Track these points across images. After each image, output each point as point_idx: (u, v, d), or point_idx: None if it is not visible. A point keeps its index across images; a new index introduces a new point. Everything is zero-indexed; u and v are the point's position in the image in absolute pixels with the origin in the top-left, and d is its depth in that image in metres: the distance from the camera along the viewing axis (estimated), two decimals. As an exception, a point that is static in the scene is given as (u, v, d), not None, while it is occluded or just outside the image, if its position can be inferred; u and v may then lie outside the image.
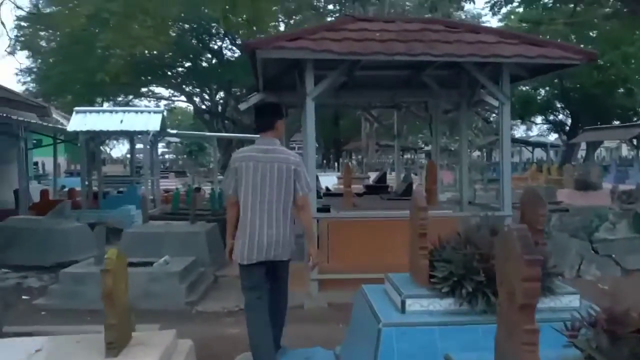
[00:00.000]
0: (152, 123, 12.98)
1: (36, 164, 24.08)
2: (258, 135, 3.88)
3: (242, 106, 7.97)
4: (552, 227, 8.81)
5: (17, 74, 32.78)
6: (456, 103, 7.50)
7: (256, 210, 3.63)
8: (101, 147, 35.41)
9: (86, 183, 13.28)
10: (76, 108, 13.39)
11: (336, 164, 33.33)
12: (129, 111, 13.40)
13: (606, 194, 15.56)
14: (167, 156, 47.38)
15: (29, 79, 31.78)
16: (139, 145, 14.85)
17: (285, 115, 8.81)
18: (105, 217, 10.80)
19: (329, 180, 18.07)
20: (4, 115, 10.78)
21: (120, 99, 32.39)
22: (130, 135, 13.37)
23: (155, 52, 28.59)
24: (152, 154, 15.22)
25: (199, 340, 4.81)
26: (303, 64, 5.81)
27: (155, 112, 13.47)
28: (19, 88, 29.63)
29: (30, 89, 31.01)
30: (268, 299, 3.78)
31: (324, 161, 37.63)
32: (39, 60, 30.73)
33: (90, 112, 13.22)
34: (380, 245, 5.76)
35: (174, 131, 18.92)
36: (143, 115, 13.27)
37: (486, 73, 6.12)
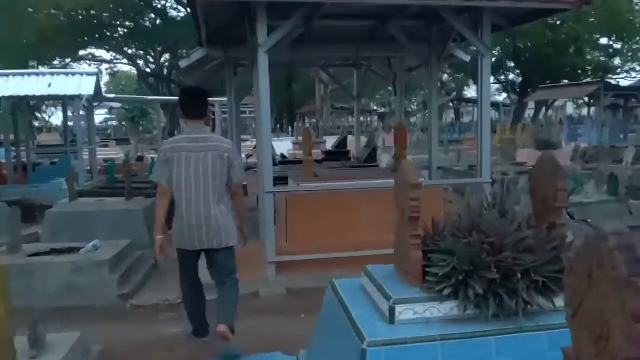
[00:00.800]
0: (85, 86, 11.66)
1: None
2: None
3: (183, 63, 6.94)
4: (520, 190, 8.34)
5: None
6: (425, 58, 6.71)
7: (191, 200, 3.62)
8: (37, 114, 33.22)
9: (13, 155, 11.95)
10: (-2, 70, 11.87)
11: (290, 128, 32.36)
12: (58, 73, 11.97)
13: (567, 153, 15.42)
14: (110, 122, 45.07)
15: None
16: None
17: (235, 74, 7.86)
18: (32, 192, 9.61)
19: (284, 146, 17.14)
20: None
21: (56, 62, 30.09)
22: (62, 101, 11.98)
23: (91, 11, 26.63)
24: (89, 120, 13.89)
25: (132, 344, 4.00)
26: (254, 11, 4.88)
27: (88, 74, 12.09)
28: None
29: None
30: (218, 292, 3.81)
31: (277, 126, 36.56)
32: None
33: (14, 75, 11.73)
34: (347, 221, 5.03)
35: (112, 95, 17.46)
36: (75, 78, 11.89)
37: (463, 22, 5.34)
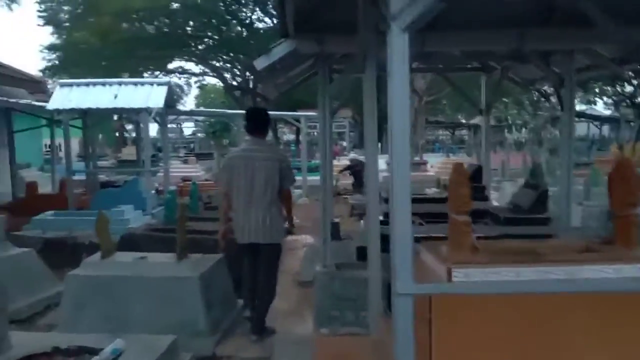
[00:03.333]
0: (155, 98, 10.09)
1: (49, 146, 21.74)
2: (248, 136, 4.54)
3: (260, 62, 4.95)
4: None
5: (41, 52, 30.43)
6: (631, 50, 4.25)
7: (246, 201, 4.29)
8: (125, 126, 33.10)
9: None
10: (61, 81, 10.60)
11: (379, 144, 30.05)
12: (126, 83, 10.50)
13: None
14: (198, 135, 44.84)
15: (53, 56, 29.49)
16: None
17: (330, 81, 5.79)
18: (84, 224, 8.01)
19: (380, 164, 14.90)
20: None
21: (146, 75, 29.86)
22: (132, 113, 10.52)
23: (177, 19, 25.90)
24: (163, 136, 12.42)
25: None
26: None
27: (159, 84, 10.55)
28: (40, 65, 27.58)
29: (51, 64, 28.63)
30: (258, 290, 4.45)
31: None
32: (64, 37, 28.57)
33: (78, 85, 10.39)
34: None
35: (187, 109, 16.03)
36: (144, 89, 10.36)
37: None
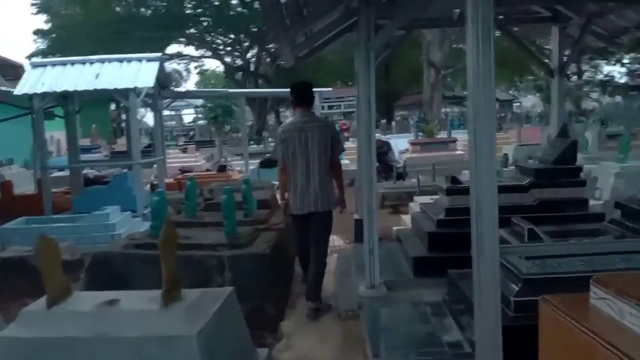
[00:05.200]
0: (144, 76, 8.47)
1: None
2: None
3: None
4: None
5: (34, 40, 28.79)
6: None
7: (303, 171, 4.29)
8: (122, 115, 31.42)
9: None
10: (32, 60, 8.97)
11: (392, 123, 28.42)
12: (110, 60, 8.83)
13: None
14: (199, 122, 43.09)
15: (44, 41, 27.84)
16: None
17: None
18: (64, 231, 6.44)
19: (400, 144, 13.24)
20: None
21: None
22: (119, 96, 8.86)
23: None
24: (156, 122, 10.79)
25: None
26: None
27: (149, 59, 8.88)
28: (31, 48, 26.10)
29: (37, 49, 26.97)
30: (311, 256, 4.39)
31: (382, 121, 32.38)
32: (57, 20, 26.98)
33: (53, 64, 8.76)
34: None
35: (184, 89, 14.40)
36: (131, 66, 8.73)
37: None
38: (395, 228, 5.98)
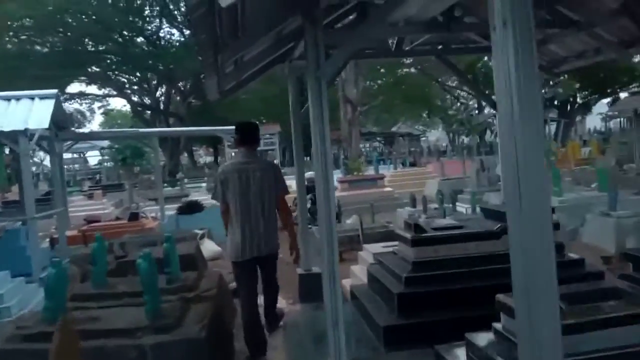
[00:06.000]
0: (37, 116, 7.29)
1: None
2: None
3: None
4: None
5: None
6: None
7: (245, 213, 4.08)
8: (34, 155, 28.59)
9: None
10: None
11: (308, 158, 28.04)
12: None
13: None
14: (105, 164, 40.49)
15: None
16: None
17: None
18: None
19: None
20: None
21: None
22: (6, 139, 7.55)
23: (67, 33, 22.52)
24: (55, 167, 9.44)
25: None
26: None
27: (43, 97, 7.70)
28: None
29: None
30: (262, 289, 4.31)
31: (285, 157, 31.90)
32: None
33: None
34: None
35: (87, 130, 13.12)
36: (21, 105, 7.52)
37: None
38: (346, 282, 5.20)
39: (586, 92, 31.44)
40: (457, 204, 9.00)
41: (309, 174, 10.60)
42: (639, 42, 4.86)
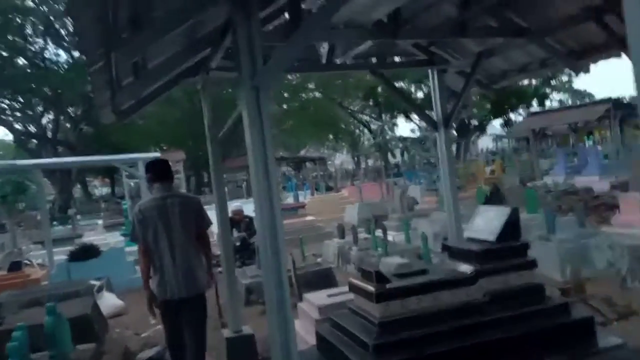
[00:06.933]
0: None
1: None
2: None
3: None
4: None
5: None
6: None
7: (167, 251, 3.81)
8: None
9: None
10: None
11: (206, 189, 26.90)
12: None
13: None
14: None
15: None
16: None
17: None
18: None
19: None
20: None
21: None
22: None
23: None
24: None
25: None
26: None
27: None
28: None
29: None
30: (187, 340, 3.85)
31: (189, 186, 30.29)
32: None
33: None
34: None
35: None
36: None
37: None
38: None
39: (484, 114, 32.97)
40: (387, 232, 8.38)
41: (235, 206, 9.49)
42: (591, 52, 4.49)
